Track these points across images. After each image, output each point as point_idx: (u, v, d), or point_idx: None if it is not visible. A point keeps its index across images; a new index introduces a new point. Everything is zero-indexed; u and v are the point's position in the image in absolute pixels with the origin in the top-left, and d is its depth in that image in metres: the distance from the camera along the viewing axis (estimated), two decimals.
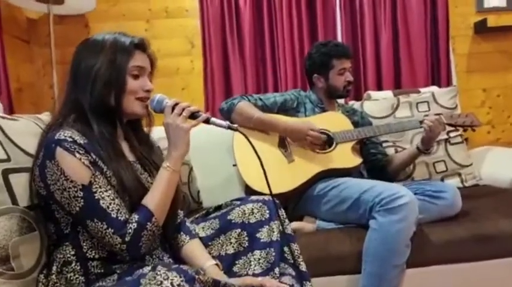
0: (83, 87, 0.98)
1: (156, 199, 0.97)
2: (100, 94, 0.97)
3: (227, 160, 1.79)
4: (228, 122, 1.05)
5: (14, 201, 0.93)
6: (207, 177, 2.00)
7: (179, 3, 2.54)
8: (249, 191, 1.62)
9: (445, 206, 1.50)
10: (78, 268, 0.93)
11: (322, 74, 1.83)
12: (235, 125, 1.06)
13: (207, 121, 1.04)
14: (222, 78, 2.46)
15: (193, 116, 1.03)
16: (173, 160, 1.01)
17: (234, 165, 1.70)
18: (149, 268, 0.79)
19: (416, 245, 1.38)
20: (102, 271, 0.94)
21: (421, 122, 1.67)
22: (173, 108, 1.02)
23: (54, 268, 0.94)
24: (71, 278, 0.93)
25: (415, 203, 1.37)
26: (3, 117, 1.05)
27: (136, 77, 1.03)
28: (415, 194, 1.44)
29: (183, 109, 1.01)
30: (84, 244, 0.95)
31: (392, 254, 1.35)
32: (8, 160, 0.96)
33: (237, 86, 2.45)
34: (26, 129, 1.07)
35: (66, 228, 0.96)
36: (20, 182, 0.97)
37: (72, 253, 0.94)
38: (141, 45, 1.05)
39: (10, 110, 2.04)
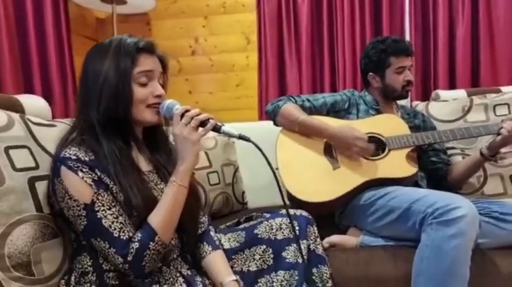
0: (91, 103, 0.95)
1: (160, 216, 0.93)
2: (107, 109, 0.94)
3: (275, 160, 1.73)
4: (240, 133, 0.97)
5: (39, 208, 0.96)
6: (253, 178, 1.95)
7: None
8: (290, 196, 1.55)
9: None
10: (94, 279, 0.93)
11: (378, 72, 1.67)
12: (248, 136, 0.98)
13: (217, 130, 0.97)
14: (277, 74, 2.38)
15: (203, 124, 0.96)
16: (180, 174, 0.95)
17: (277, 168, 1.63)
18: None
19: (474, 275, 1.17)
20: (117, 282, 0.93)
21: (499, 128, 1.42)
22: (182, 116, 0.95)
23: (72, 277, 0.96)
24: None
25: (475, 216, 1.18)
26: (39, 124, 1.08)
27: (144, 83, 0.98)
28: (480, 214, 1.22)
29: (192, 118, 0.94)
30: (100, 255, 0.94)
31: (450, 276, 1.15)
32: (37, 167, 0.99)
33: (292, 83, 2.35)
34: (60, 135, 1.09)
35: (83, 239, 0.96)
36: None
37: (90, 263, 0.95)
38: (146, 48, 0.98)
39: None
